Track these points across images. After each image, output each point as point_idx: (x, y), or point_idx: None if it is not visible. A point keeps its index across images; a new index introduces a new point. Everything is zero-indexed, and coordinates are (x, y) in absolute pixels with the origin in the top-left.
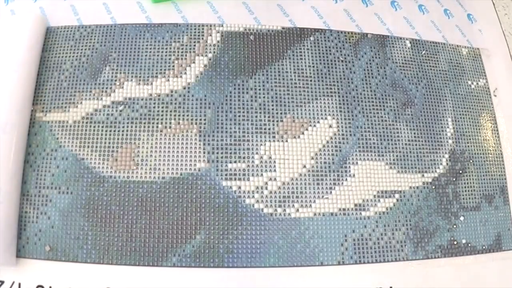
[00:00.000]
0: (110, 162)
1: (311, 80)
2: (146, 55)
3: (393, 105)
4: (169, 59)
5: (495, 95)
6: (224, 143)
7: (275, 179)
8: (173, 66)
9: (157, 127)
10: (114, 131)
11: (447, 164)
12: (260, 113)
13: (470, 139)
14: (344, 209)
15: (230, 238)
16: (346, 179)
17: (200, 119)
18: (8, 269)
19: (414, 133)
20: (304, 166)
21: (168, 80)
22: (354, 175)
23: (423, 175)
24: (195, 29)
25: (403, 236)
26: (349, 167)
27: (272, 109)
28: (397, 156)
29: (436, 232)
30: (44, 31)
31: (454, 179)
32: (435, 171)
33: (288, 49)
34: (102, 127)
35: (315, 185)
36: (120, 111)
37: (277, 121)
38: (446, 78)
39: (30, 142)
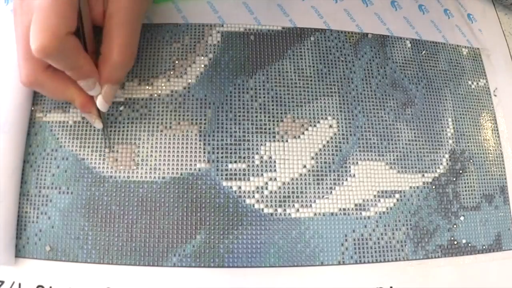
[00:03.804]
0: (110, 162)
1: (311, 80)
2: (146, 55)
3: (393, 105)
4: (170, 59)
5: (495, 95)
6: (224, 143)
7: (275, 179)
8: (174, 66)
9: (157, 127)
10: (114, 131)
11: (447, 164)
12: (260, 113)
13: (470, 139)
14: (344, 209)
15: (231, 238)
16: (346, 179)
17: (201, 119)
18: (8, 269)
19: (414, 133)
20: (304, 166)
21: (169, 80)
22: (354, 175)
23: (423, 175)
24: (195, 29)
25: (403, 236)
26: (349, 167)
27: (272, 109)
28: (397, 156)
29: (436, 232)
30: None
31: (454, 179)
32: (435, 171)
33: (288, 49)
34: None
35: (315, 185)
36: (120, 111)
37: (277, 121)
38: (446, 78)
39: (30, 142)
